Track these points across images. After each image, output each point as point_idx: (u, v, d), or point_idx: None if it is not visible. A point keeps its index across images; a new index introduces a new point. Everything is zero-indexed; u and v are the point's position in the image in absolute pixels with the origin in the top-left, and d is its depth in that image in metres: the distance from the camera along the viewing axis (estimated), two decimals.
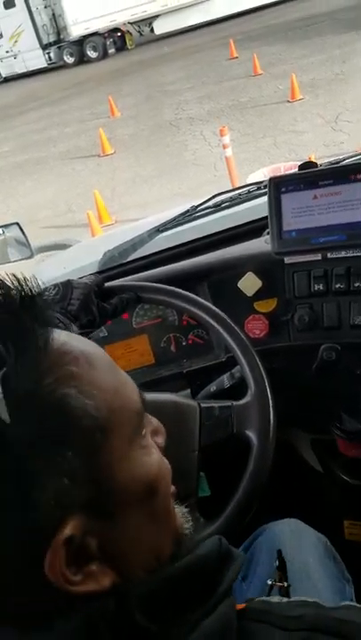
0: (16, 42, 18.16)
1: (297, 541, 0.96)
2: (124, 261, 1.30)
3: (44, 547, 0.41)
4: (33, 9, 17.59)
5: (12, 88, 16.90)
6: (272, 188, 1.05)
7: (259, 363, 0.88)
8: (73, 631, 0.42)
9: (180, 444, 0.82)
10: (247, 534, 0.99)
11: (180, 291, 1.01)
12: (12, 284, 0.45)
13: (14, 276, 0.46)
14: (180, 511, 0.55)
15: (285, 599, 0.52)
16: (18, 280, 0.45)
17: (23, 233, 1.73)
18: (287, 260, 1.09)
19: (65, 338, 0.46)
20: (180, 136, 7.38)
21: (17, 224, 1.74)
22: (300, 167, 1.05)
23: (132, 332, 1.21)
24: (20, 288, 0.45)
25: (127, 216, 5.34)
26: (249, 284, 1.12)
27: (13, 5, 17.60)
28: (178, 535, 0.53)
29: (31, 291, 0.45)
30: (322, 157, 4.18)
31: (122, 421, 0.47)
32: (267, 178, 1.11)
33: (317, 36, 9.97)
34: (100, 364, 0.47)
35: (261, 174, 3.56)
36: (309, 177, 1.03)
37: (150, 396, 0.95)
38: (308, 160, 1.09)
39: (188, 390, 1.12)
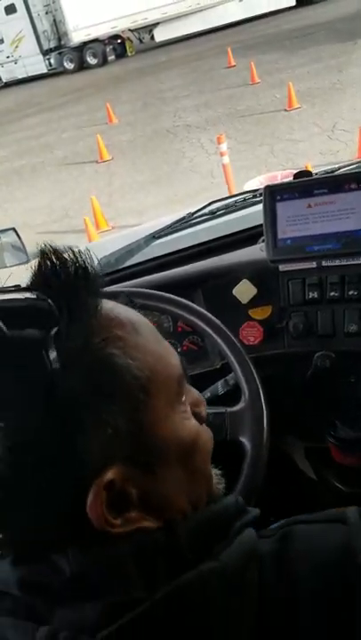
0: (17, 47, 18.19)
1: None
2: (120, 267, 1.30)
3: (86, 487, 0.45)
4: (34, 14, 17.60)
5: (9, 94, 16.93)
6: (267, 197, 1.06)
7: (253, 370, 0.88)
8: (122, 556, 0.46)
9: None
10: None
11: (174, 297, 1.01)
12: (69, 255, 0.49)
13: (70, 248, 0.50)
14: (215, 473, 0.60)
15: None
16: (73, 252, 0.49)
17: (19, 238, 1.74)
18: (282, 267, 1.10)
19: (112, 306, 0.51)
20: (178, 143, 7.41)
21: (13, 229, 1.74)
22: (296, 176, 1.06)
23: None
24: (74, 260, 0.49)
25: (124, 222, 5.35)
26: (244, 291, 1.13)
27: (14, 11, 17.62)
28: (212, 493, 0.58)
29: (85, 262, 0.49)
30: (318, 166, 4.20)
31: (163, 385, 0.50)
32: (263, 186, 1.11)
33: (314, 45, 10.05)
34: (144, 331, 0.52)
35: (258, 182, 3.59)
36: (304, 186, 1.04)
37: None
38: (303, 169, 1.10)
39: None
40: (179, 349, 1.24)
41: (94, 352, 0.46)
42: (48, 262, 0.49)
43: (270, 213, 1.06)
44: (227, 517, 0.52)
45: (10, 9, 17.68)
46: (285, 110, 7.25)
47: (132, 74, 13.47)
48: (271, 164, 5.69)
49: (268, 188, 1.05)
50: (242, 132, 6.99)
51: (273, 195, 1.05)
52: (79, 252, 0.50)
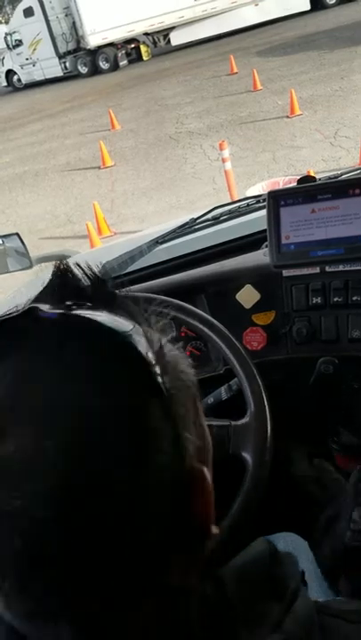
0: (35, 49, 18.18)
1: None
2: (123, 272, 1.30)
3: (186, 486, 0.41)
4: (52, 17, 17.49)
5: (13, 100, 17.00)
6: (271, 202, 1.06)
7: (258, 378, 0.87)
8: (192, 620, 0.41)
9: None
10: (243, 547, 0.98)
11: (178, 302, 1.01)
12: (84, 271, 0.47)
13: (87, 264, 0.48)
14: None
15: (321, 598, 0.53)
16: (90, 268, 0.47)
17: (23, 243, 1.74)
18: (285, 272, 1.10)
19: None
20: (180, 149, 7.43)
21: (17, 234, 1.75)
22: (299, 181, 1.06)
23: None
24: (92, 276, 0.46)
25: (126, 228, 5.36)
26: (247, 296, 1.13)
27: (32, 14, 17.63)
28: None
29: (100, 278, 0.47)
30: (320, 172, 4.21)
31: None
32: (265, 192, 1.11)
33: (316, 53, 10.09)
34: None
35: (260, 188, 3.59)
36: (308, 191, 1.04)
37: None
38: (306, 174, 1.10)
39: None
40: None
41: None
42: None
43: (274, 219, 1.06)
44: (263, 567, 0.48)
45: (28, 11, 17.68)
46: (287, 117, 7.27)
47: (136, 80, 13.52)
48: (273, 171, 5.70)
49: (271, 193, 1.05)
50: (244, 139, 7.02)
51: (277, 200, 1.06)
52: (95, 265, 0.48)
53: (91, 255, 1.79)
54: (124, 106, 10.78)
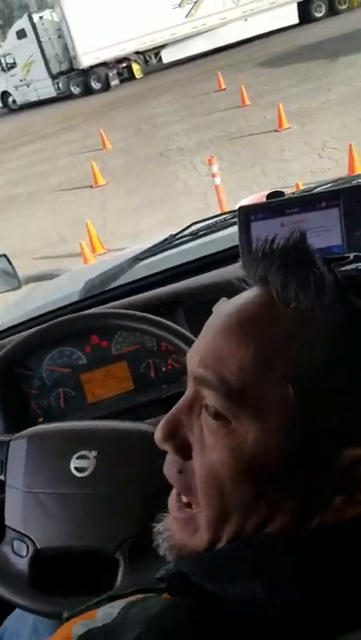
0: (29, 71, 18.41)
1: None
2: (104, 289, 1.33)
3: None
4: (44, 39, 17.76)
5: (4, 123, 17.16)
6: (242, 217, 1.09)
7: None
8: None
9: (156, 475, 0.83)
10: None
11: (155, 318, 1.04)
12: None
13: None
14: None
15: None
16: None
17: (11, 264, 1.77)
18: None
19: None
20: (171, 166, 7.51)
21: (4, 256, 1.77)
22: (268, 196, 1.09)
23: (112, 359, 1.23)
24: None
25: (119, 245, 5.40)
26: None
27: (25, 35, 17.90)
28: None
29: None
30: (308, 184, 4.26)
31: None
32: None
33: (303, 66, 10.25)
34: None
35: (248, 201, 3.64)
36: (277, 206, 1.07)
37: (125, 424, 0.97)
38: (274, 190, 1.14)
39: None
40: (163, 368, 1.26)
41: None
42: None
43: (245, 233, 1.09)
44: None
45: (21, 33, 17.96)
46: (276, 131, 7.37)
47: (126, 100, 13.68)
48: (263, 184, 5.76)
49: (241, 208, 1.08)
50: (233, 154, 7.10)
51: (247, 215, 1.09)
52: None
53: (77, 274, 1.82)
54: (114, 125, 10.90)
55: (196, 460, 0.48)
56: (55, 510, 0.85)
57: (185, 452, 0.50)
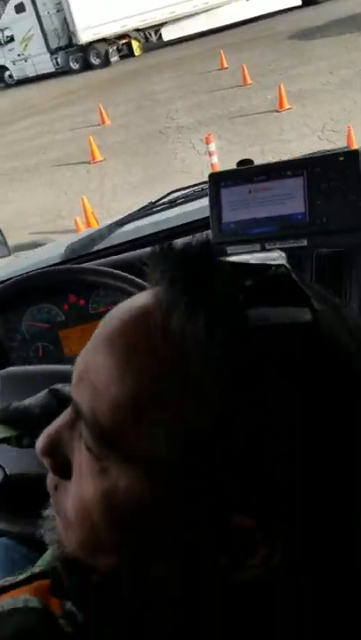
0: (27, 45, 18.19)
1: None
2: (85, 253, 1.39)
3: None
4: (43, 13, 17.53)
5: (4, 97, 17.00)
6: (212, 184, 1.14)
7: None
8: None
9: None
10: None
11: (133, 277, 1.09)
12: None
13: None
14: None
15: None
16: None
17: (1, 233, 1.83)
18: (230, 250, 1.18)
19: None
20: (170, 144, 7.50)
21: None
22: (238, 164, 1.15)
23: (89, 317, 1.29)
24: None
25: None
26: None
27: (24, 10, 17.67)
28: None
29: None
30: None
31: None
32: None
33: (306, 47, 10.16)
34: None
35: None
36: (245, 173, 1.12)
37: None
38: (248, 158, 1.19)
39: None
40: None
41: None
42: None
43: (215, 199, 1.15)
44: None
45: (19, 7, 17.71)
46: (277, 111, 7.34)
47: (127, 76, 13.56)
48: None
49: (212, 175, 1.14)
50: (233, 133, 7.09)
51: (217, 182, 1.14)
52: None
53: (61, 243, 1.88)
54: (115, 101, 10.82)
55: (73, 486, 0.42)
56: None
57: (64, 472, 0.43)
